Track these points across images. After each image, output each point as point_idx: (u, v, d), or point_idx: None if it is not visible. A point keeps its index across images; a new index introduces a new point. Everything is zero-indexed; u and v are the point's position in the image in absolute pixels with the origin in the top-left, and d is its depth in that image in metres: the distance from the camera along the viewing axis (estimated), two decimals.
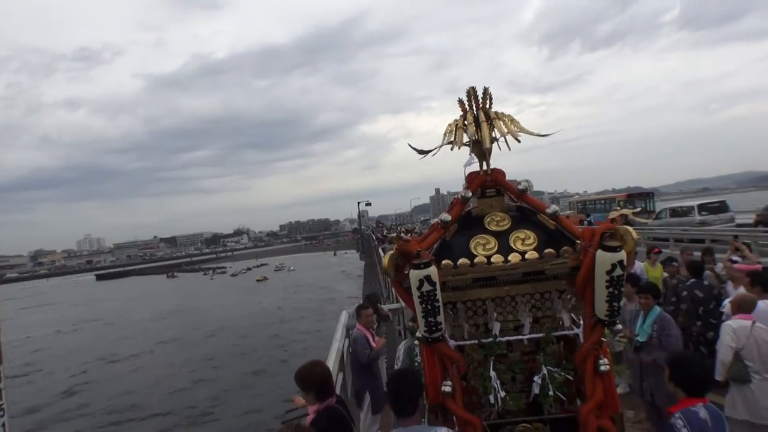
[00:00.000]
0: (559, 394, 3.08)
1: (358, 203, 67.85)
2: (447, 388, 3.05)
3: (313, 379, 3.57)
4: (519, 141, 3.30)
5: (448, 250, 3.20)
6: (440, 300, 2.91)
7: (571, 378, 3.13)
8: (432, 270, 2.85)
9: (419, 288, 2.85)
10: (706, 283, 7.12)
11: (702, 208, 24.32)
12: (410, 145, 3.43)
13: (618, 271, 2.75)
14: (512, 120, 3.35)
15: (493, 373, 3.11)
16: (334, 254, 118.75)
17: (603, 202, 37.93)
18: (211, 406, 20.74)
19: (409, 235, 6.23)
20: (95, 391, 25.02)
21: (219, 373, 25.50)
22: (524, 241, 3.14)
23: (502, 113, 3.37)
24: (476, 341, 3.20)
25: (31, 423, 21.36)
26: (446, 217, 3.25)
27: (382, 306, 8.65)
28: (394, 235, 3.45)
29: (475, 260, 3.07)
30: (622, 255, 2.75)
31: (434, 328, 2.96)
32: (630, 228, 2.91)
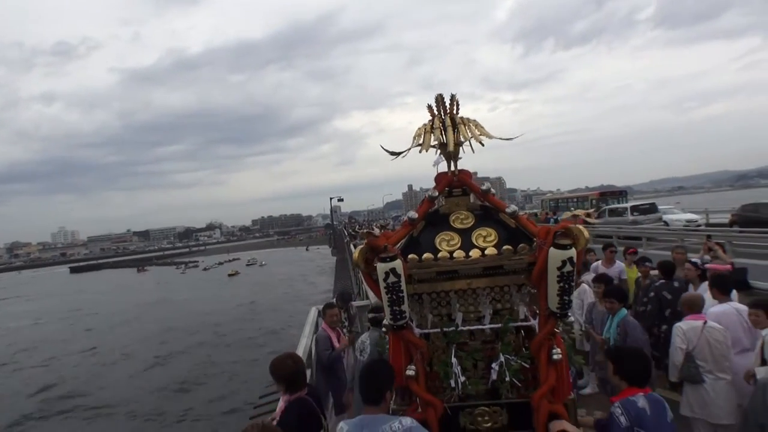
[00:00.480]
0: (516, 381, 3.32)
1: (330, 199, 66.60)
2: (411, 372, 3.26)
3: (284, 372, 3.76)
4: (483, 144, 3.53)
5: (415, 245, 3.42)
6: (405, 291, 3.12)
7: (527, 366, 3.36)
8: (397, 263, 3.06)
9: (385, 279, 3.06)
10: (676, 284, 7.04)
11: (634, 209, 26.66)
12: (382, 147, 3.63)
13: (568, 267, 2.98)
14: (477, 125, 3.57)
15: (454, 360, 3.33)
16: (306, 249, 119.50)
17: (576, 200, 38.04)
18: (183, 400, 20.83)
19: (381, 230, 6.42)
20: (74, 383, 25.01)
21: (193, 366, 25.58)
22: (485, 238, 3.37)
23: (468, 118, 3.59)
24: (440, 330, 3.43)
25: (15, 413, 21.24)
26: (413, 214, 3.48)
27: (353, 303, 8.75)
28: (365, 230, 3.65)
29: (439, 255, 3.29)
30: (572, 252, 2.98)
31: (399, 317, 3.17)
32: (582, 228, 3.15)
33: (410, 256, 3.29)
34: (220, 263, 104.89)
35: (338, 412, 6.36)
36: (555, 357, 3.25)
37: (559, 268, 2.99)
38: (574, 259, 3.00)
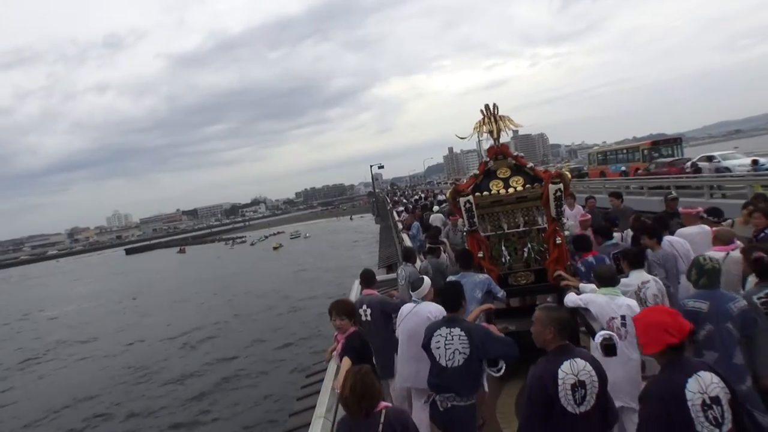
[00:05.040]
0: (537, 257, 6.23)
1: (371, 167, 67.21)
2: (480, 255, 6.21)
3: (349, 307, 4.79)
4: (513, 130, 6.38)
5: (479, 187, 6.33)
6: (475, 212, 6.06)
7: (543, 249, 6.25)
8: (470, 197, 6.01)
9: (464, 206, 6.02)
10: None
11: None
12: (456, 135, 6.54)
13: (559, 193, 5.86)
14: (509, 119, 6.41)
15: (503, 248, 6.28)
16: (351, 219, 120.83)
17: (625, 151, 35.00)
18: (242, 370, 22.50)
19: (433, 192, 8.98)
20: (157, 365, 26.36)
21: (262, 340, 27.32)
22: (517, 182, 6.24)
23: (503, 116, 6.42)
24: (494, 233, 6.36)
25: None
26: (476, 171, 6.40)
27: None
28: (452, 181, 6.57)
29: (491, 192, 6.19)
30: (560, 185, 5.84)
31: (472, 225, 6.12)
32: (566, 171, 6.01)
33: (476, 193, 6.20)
34: (266, 237, 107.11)
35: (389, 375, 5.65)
36: (558, 242, 6.14)
37: (554, 194, 5.86)
38: (562, 189, 5.86)
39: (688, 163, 25.89)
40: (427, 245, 8.57)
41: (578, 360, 2.97)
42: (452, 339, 3.92)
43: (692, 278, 4.10)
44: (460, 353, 3.87)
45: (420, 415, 4.73)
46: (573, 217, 9.68)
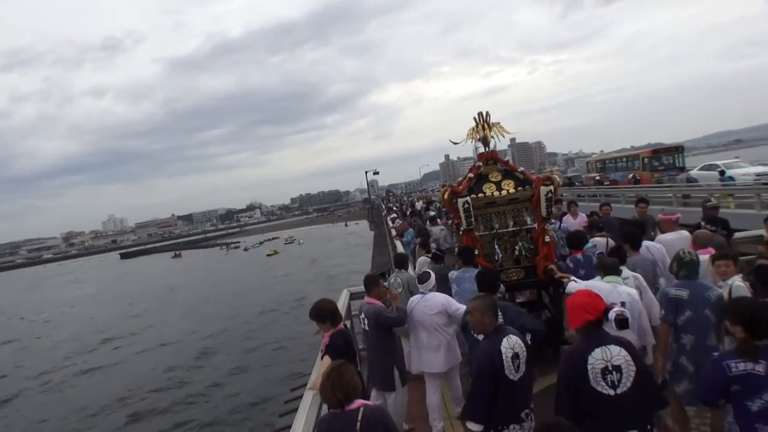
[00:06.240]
0: (527, 254, 6.67)
1: (366, 173, 65.08)
2: (476, 252, 6.64)
3: (326, 310, 4.68)
4: (503, 137, 6.85)
5: (472, 190, 6.77)
6: (472, 212, 6.49)
7: (532, 247, 6.69)
8: (468, 198, 6.45)
9: (463, 206, 6.46)
10: None
11: None
12: (450, 140, 6.99)
13: (550, 195, 6.32)
14: (500, 126, 6.88)
15: (496, 246, 6.71)
16: (346, 225, 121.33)
17: (625, 159, 34.99)
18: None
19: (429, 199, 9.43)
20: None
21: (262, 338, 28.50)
22: (508, 185, 6.69)
23: (494, 123, 6.88)
24: (488, 232, 6.79)
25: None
26: (470, 175, 6.84)
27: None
28: (448, 185, 6.98)
29: (486, 194, 6.63)
30: (551, 187, 6.30)
31: (469, 225, 6.56)
32: (555, 175, 6.46)
33: (471, 195, 6.64)
34: (261, 242, 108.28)
35: (403, 384, 5.32)
36: (546, 240, 6.59)
37: (545, 195, 6.33)
38: (553, 191, 6.32)
39: (630, 175, 29.16)
40: (433, 251, 8.75)
41: (511, 336, 3.53)
42: None
43: (674, 270, 4.58)
44: None
45: (432, 398, 5.33)
46: (577, 225, 10.02)
